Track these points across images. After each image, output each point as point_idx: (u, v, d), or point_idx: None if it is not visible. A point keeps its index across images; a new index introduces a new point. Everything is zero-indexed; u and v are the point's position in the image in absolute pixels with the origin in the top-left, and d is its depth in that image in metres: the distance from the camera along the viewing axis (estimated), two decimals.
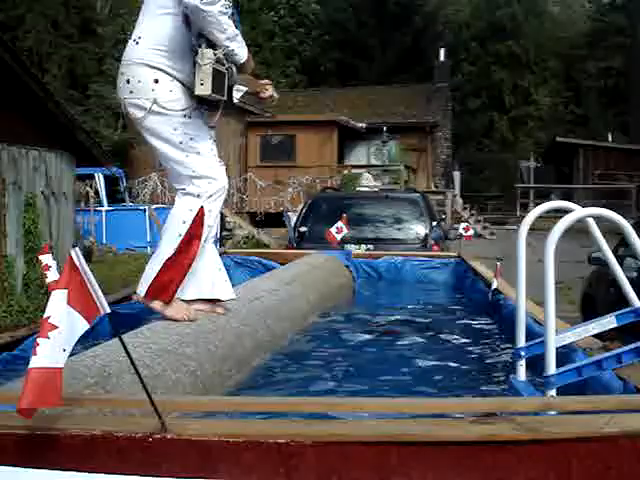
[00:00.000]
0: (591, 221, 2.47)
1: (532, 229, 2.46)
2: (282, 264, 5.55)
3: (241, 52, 2.78)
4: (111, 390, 2.03)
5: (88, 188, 17.26)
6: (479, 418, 1.55)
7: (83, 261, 1.42)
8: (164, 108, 2.72)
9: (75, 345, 1.46)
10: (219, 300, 3.03)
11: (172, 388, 2.31)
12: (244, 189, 21.94)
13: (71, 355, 1.49)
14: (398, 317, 4.31)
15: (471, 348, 3.49)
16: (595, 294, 6.88)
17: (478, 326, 4.09)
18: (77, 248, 1.44)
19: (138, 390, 1.53)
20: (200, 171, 2.82)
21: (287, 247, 8.84)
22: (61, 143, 10.52)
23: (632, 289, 2.42)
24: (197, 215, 2.81)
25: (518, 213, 24.13)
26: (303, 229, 8.56)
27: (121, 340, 1.49)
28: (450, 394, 2.61)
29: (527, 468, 1.43)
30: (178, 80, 2.74)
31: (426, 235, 8.23)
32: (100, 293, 1.45)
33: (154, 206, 17.41)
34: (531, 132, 36.16)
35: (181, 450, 1.45)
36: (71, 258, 1.41)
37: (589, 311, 6.37)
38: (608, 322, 2.40)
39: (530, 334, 2.53)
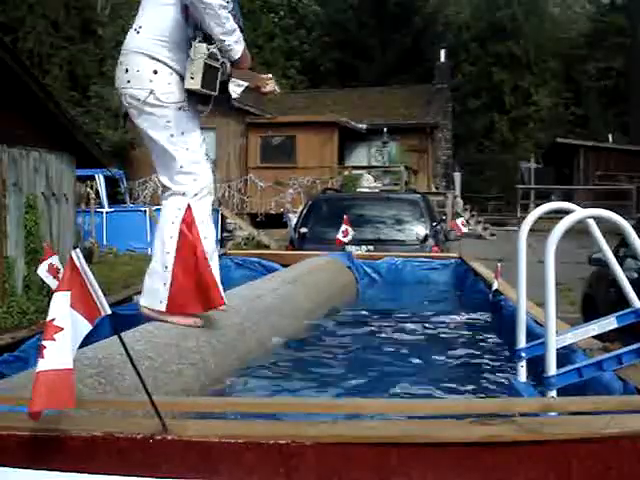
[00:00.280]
0: (591, 222, 2.47)
1: (532, 230, 2.47)
2: (283, 265, 5.55)
3: (237, 47, 2.75)
4: (112, 381, 2.04)
5: (89, 189, 17.25)
6: (480, 419, 1.55)
7: (84, 262, 1.43)
8: (159, 100, 2.71)
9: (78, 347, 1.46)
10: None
11: (174, 379, 2.34)
12: (244, 190, 21.95)
13: None
14: (399, 317, 4.31)
15: (471, 349, 3.49)
16: (595, 295, 6.87)
17: (478, 327, 4.09)
18: (78, 249, 1.44)
19: (139, 383, 1.53)
20: (186, 167, 2.79)
21: (288, 248, 8.84)
22: (61, 144, 10.51)
23: (632, 290, 2.42)
24: (186, 213, 2.76)
25: (518, 214, 24.09)
26: (304, 230, 8.56)
27: (121, 340, 1.49)
28: (450, 395, 2.61)
29: (527, 469, 1.43)
30: (176, 73, 2.73)
31: (426, 236, 8.24)
32: (101, 294, 1.45)
33: (155, 207, 17.39)
34: (531, 133, 36.11)
35: (182, 451, 1.45)
36: (72, 259, 1.41)
37: (590, 312, 6.36)
38: (608, 323, 2.40)
39: (531, 335, 2.53)
